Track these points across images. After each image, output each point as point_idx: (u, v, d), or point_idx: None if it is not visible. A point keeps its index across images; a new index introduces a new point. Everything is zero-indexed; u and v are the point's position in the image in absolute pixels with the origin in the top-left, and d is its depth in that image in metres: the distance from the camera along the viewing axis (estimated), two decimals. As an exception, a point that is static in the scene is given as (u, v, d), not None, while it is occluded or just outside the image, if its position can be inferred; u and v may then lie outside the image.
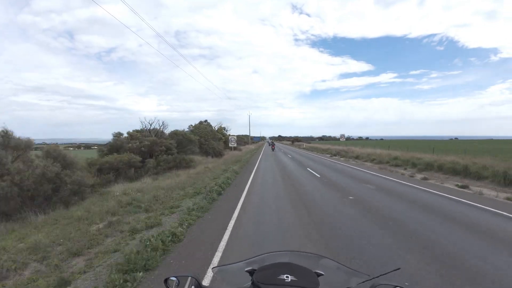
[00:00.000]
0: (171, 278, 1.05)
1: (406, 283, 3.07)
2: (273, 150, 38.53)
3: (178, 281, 1.05)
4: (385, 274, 1.11)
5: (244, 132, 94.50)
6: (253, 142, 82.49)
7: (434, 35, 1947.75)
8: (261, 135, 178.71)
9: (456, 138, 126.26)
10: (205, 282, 3.05)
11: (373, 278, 1.07)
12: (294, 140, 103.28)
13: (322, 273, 1.06)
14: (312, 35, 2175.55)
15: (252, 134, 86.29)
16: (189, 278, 1.05)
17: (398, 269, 1.19)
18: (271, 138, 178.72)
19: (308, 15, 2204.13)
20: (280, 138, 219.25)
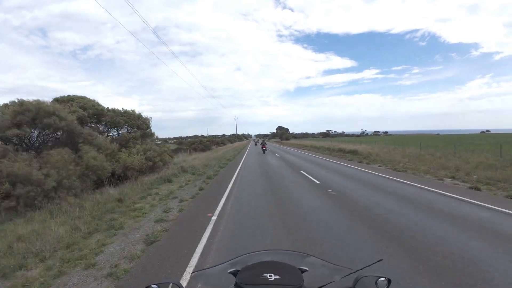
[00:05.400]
0: (152, 286, 0.99)
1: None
2: (264, 153, 26.17)
3: None
4: (368, 266, 1.12)
5: (230, 132, 62.00)
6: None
7: (416, 30, 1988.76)
8: (244, 133, 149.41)
9: (438, 134, 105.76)
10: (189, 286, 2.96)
11: (357, 270, 1.08)
12: None
13: (306, 269, 1.06)
14: (296, 30, 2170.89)
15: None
16: (171, 284, 1.01)
17: (381, 260, 1.22)
18: (258, 136, 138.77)
19: (291, 9, 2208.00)
20: (283, 135, 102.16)
